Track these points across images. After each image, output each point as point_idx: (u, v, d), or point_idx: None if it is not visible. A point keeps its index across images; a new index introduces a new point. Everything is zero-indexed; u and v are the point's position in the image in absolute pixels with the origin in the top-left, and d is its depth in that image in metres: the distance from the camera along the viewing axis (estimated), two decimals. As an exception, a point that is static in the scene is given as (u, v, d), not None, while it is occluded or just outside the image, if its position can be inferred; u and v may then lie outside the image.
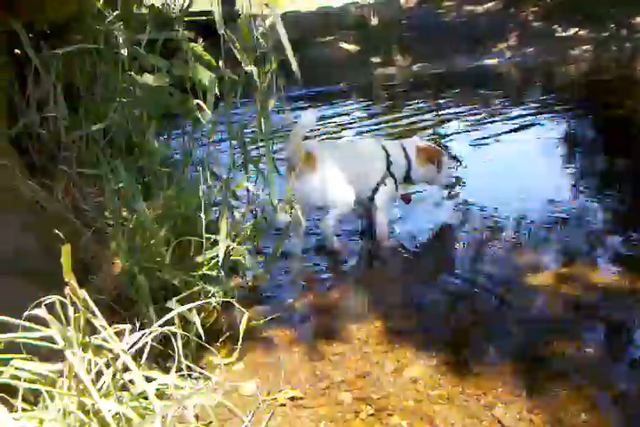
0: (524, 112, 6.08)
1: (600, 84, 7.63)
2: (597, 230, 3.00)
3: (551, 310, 2.28)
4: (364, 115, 7.16)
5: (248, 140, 2.55)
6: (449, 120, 6.21)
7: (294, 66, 2.08)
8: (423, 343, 2.10)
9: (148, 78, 3.06)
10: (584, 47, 10.47)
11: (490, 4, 12.89)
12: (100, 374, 1.42)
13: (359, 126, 6.23)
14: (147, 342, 1.56)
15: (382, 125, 6.13)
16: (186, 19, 3.20)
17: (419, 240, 3.07)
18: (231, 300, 2.17)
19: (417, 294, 2.53)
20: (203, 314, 2.19)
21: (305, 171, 2.63)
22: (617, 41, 10.47)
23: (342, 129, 6.05)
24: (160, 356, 1.84)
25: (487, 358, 2.01)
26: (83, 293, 1.28)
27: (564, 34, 11.03)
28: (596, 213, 3.22)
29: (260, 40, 2.27)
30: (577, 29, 10.96)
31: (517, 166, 4.23)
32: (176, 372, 1.68)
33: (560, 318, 2.23)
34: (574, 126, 5.54)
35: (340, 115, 7.12)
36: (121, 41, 3.00)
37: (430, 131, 5.72)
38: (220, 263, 2.21)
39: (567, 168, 4.24)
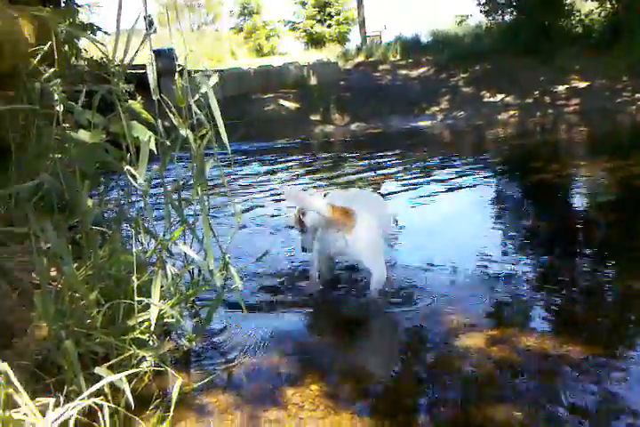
0: (456, 174, 6.35)
1: (526, 148, 8.11)
2: (527, 290, 3.10)
3: (482, 374, 2.31)
4: (304, 171, 7.29)
5: (184, 199, 2.54)
6: (386, 180, 6.41)
7: (224, 138, 2.12)
8: (359, 409, 2.08)
9: (84, 135, 3.02)
10: (510, 112, 11.16)
11: (423, 70, 13.64)
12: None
13: (298, 183, 6.31)
14: (71, 415, 1.47)
15: (321, 183, 6.24)
16: (127, 71, 3.21)
17: (354, 296, 3.07)
18: (163, 365, 2.09)
19: (352, 357, 2.52)
20: (134, 381, 2.09)
21: (343, 228, 2.71)
22: (541, 107, 11.22)
23: (282, 185, 6.12)
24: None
25: (422, 424, 2.00)
26: (4, 366, 1.21)
27: (491, 99, 11.77)
28: (525, 273, 3.33)
29: (194, 106, 2.30)
30: (503, 95, 11.71)
31: (450, 226, 4.37)
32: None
33: (490, 381, 2.26)
34: (502, 189, 5.82)
35: (279, 171, 7.22)
36: (56, 97, 2.97)
37: (368, 190, 5.87)
38: (152, 327, 2.14)
39: (497, 229, 4.41)
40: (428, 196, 5.31)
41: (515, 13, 14.21)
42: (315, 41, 24.39)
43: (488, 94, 11.85)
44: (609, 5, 13.35)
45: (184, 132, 2.25)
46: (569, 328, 2.66)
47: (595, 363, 2.30)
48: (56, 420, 1.43)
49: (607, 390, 2.12)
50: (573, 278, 3.32)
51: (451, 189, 5.56)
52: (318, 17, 25.13)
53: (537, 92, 11.65)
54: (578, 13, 13.88)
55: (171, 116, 2.31)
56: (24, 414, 1.33)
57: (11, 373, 1.24)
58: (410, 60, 14.43)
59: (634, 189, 5.22)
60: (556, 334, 2.57)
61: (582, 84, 11.68)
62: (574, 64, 12.24)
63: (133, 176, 2.22)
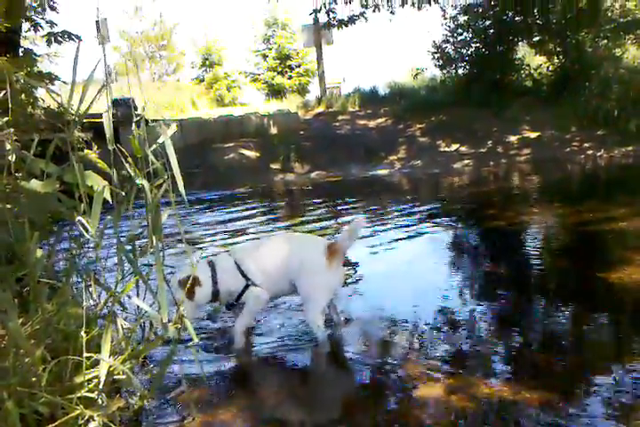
0: (413, 221, 6.43)
1: (481, 195, 8.30)
2: (484, 336, 3.11)
3: (441, 423, 2.27)
4: (265, 219, 7.28)
5: (138, 251, 2.48)
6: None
7: (180, 187, 2.11)
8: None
9: (37, 185, 2.96)
10: (465, 161, 11.48)
11: (381, 120, 14.00)
12: None
13: (260, 231, 6.28)
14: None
15: (284, 231, 6.22)
16: (85, 120, 3.18)
17: (313, 345, 3.02)
18: (112, 425, 1.99)
19: (310, 402, 2.45)
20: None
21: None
22: (494, 157, 11.59)
23: (243, 233, 6.08)
24: None
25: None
26: None
27: (447, 149, 12.11)
28: (483, 318, 3.35)
29: (150, 156, 2.29)
30: (458, 145, 12.07)
31: (409, 272, 4.40)
32: None
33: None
34: (459, 235, 5.91)
35: (240, 219, 7.19)
36: (8, 146, 2.92)
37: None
38: (101, 384, 2.05)
39: (455, 275, 4.45)
40: (388, 242, 5.35)
41: (467, 68, 14.84)
42: (275, 92, 24.87)
43: (443, 144, 12.20)
44: (556, 60, 14.08)
45: (140, 181, 2.22)
46: (527, 373, 2.66)
47: (551, 410, 2.29)
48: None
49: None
50: (530, 323, 3.35)
51: (410, 236, 5.61)
52: (279, 69, 25.73)
53: (490, 142, 12.05)
54: (527, 68, 14.58)
55: (126, 165, 2.28)
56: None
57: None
58: (368, 111, 14.80)
59: (585, 234, 5.37)
60: (514, 380, 2.57)
61: (533, 135, 12.15)
62: (525, 115, 12.76)
63: (85, 228, 2.16)
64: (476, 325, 3.26)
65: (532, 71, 14.52)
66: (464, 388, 2.50)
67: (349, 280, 4.23)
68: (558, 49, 14.01)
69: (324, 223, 6.64)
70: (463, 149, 11.96)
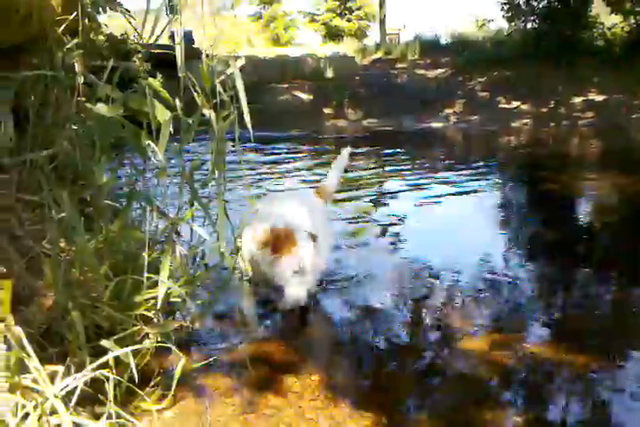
0: (464, 177, 6.33)
1: (537, 157, 8.07)
2: (529, 297, 3.10)
3: (481, 376, 2.30)
4: (314, 164, 7.27)
5: (200, 181, 2.52)
6: (394, 178, 6.40)
7: (247, 120, 2.11)
8: (358, 402, 2.07)
9: (102, 108, 3.00)
10: (524, 120, 11.12)
11: (440, 71, 13.58)
12: (26, 416, 1.33)
13: (304, 176, 6.29)
14: (77, 386, 1.47)
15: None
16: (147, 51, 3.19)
17: (356, 296, 3.06)
18: (167, 343, 2.09)
19: (353, 351, 2.51)
20: (137, 357, 2.09)
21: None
22: (555, 118, 11.18)
23: (285, 176, 6.10)
24: (88, 398, 1.74)
25: (419, 422, 1.99)
26: (19, 331, 1.20)
27: (506, 106, 11.72)
28: (529, 279, 3.33)
29: (219, 87, 2.28)
30: (519, 103, 11.66)
31: (454, 230, 4.36)
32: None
33: (489, 384, 2.26)
34: (509, 196, 5.81)
35: (287, 161, 7.21)
36: (77, 68, 2.95)
37: (376, 186, 5.87)
38: (158, 305, 2.14)
39: (502, 235, 4.41)
40: (435, 197, 5.30)
41: (537, 21, 14.12)
42: (333, 34, 24.30)
43: (504, 100, 11.80)
44: (633, 20, 13.26)
45: (207, 112, 2.23)
46: (567, 336, 2.65)
47: (589, 372, 2.30)
48: (63, 389, 1.43)
49: (600, 400, 2.13)
50: (574, 288, 3.32)
51: (458, 193, 5.54)
52: (339, 10, 25.03)
53: (553, 102, 11.59)
54: (601, 26, 13.80)
55: (195, 95, 2.29)
56: (33, 380, 1.32)
57: (24, 338, 1.23)
58: (428, 61, 14.38)
59: (641, 205, 5.21)
60: (554, 342, 2.57)
61: (599, 98, 11.63)
62: (593, 77, 12.18)
63: (148, 154, 2.20)
64: (518, 286, 3.24)
65: (606, 30, 13.73)
66: (505, 345, 2.52)
67: (393, 231, 4.23)
68: (636, 8, 13.15)
69: (370, 171, 6.60)
70: (524, 107, 11.56)
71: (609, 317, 2.92)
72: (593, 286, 3.33)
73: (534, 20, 14.26)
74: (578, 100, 11.66)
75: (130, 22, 2.65)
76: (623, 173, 6.72)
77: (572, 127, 10.80)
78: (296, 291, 2.33)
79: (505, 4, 14.27)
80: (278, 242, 2.37)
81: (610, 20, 13.93)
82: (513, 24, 14.61)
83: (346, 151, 3.25)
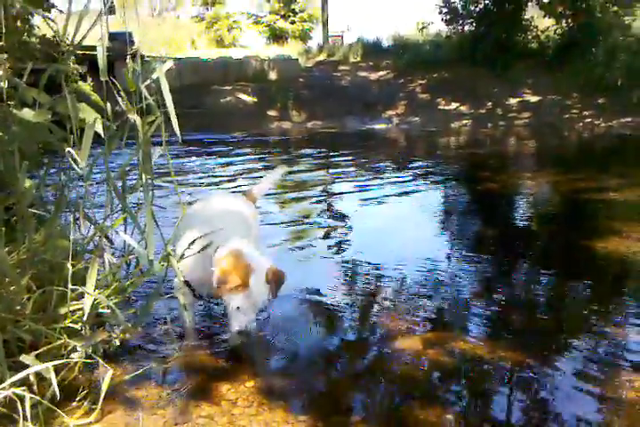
0: (407, 178, 6.43)
1: (476, 157, 8.28)
2: (466, 296, 3.15)
3: (417, 375, 2.33)
4: (258, 166, 7.23)
5: (128, 187, 2.46)
6: (338, 179, 6.43)
7: (175, 125, 2.06)
8: (293, 406, 2.06)
9: (28, 113, 2.89)
10: (463, 121, 11.38)
11: (382, 73, 13.75)
12: None
13: (252, 177, 6.25)
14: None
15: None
16: (79, 52, 3.09)
17: (296, 299, 3.04)
18: (95, 356, 2.02)
19: (289, 354, 2.50)
20: (63, 371, 2.02)
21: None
22: (492, 118, 11.49)
23: (234, 179, 6.04)
24: (6, 418, 1.66)
25: (354, 424, 1.99)
26: None
27: (446, 107, 11.98)
28: (468, 277, 3.39)
29: (144, 91, 2.22)
30: (458, 104, 11.93)
31: (397, 229, 4.42)
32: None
33: (424, 383, 2.28)
34: (451, 195, 5.92)
35: (233, 164, 7.14)
36: (1, 72, 2.83)
37: (321, 188, 5.88)
38: (85, 316, 2.07)
39: (443, 234, 4.49)
40: (378, 198, 5.36)
41: (474, 25, 14.49)
42: (277, 36, 24.27)
43: (443, 102, 12.06)
44: (564, 23, 13.76)
45: (132, 116, 2.17)
46: (504, 333, 2.72)
47: (525, 370, 2.35)
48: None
49: (536, 398, 2.18)
50: (512, 285, 3.40)
51: (400, 193, 5.62)
52: (282, 12, 25.00)
53: (490, 104, 11.92)
54: (535, 29, 14.26)
55: (119, 99, 2.22)
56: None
57: None
58: (370, 63, 14.52)
59: (575, 202, 5.40)
60: (491, 339, 2.62)
61: (534, 99, 12.03)
62: (528, 78, 12.59)
63: (74, 160, 2.13)
64: (458, 283, 3.30)
65: (539, 33, 14.20)
66: (441, 343, 2.55)
67: (337, 232, 4.25)
68: (568, 12, 13.67)
69: (315, 173, 6.61)
70: (463, 108, 11.84)
71: (547, 313, 3.00)
72: (531, 282, 3.43)
73: (471, 23, 14.63)
74: (513, 101, 12.04)
75: (50, 26, 2.56)
76: (558, 171, 6.97)
77: (509, 127, 11.13)
78: (242, 324, 2.22)
79: (443, 6, 14.59)
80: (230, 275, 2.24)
81: (544, 24, 14.42)
82: (451, 27, 14.94)
83: (280, 169, 3.24)
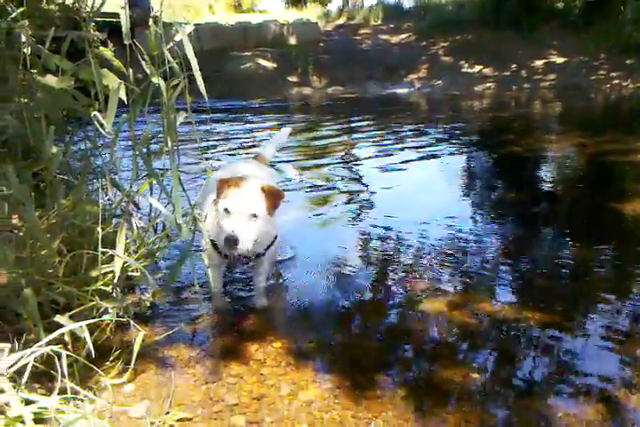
0: (429, 142, 6.35)
1: (500, 120, 8.12)
2: (491, 258, 3.15)
3: (442, 337, 2.35)
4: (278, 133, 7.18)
5: (153, 152, 2.47)
6: (360, 145, 6.38)
7: (201, 86, 2.04)
8: (319, 366, 2.10)
9: (51, 80, 2.90)
10: (487, 84, 11.13)
11: (403, 36, 13.44)
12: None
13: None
14: (28, 362, 1.45)
15: (295, 144, 6.17)
16: (98, 19, 3.07)
17: (320, 263, 3.07)
18: (126, 317, 2.07)
19: (315, 316, 2.53)
20: (95, 332, 2.08)
21: None
22: (517, 81, 11.22)
23: (256, 145, 6.02)
24: (45, 375, 1.73)
25: (380, 383, 2.03)
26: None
27: (469, 70, 11.70)
28: (490, 241, 3.38)
29: (168, 54, 2.20)
30: (481, 67, 11.65)
31: (420, 194, 4.40)
32: (60, 394, 1.57)
33: (449, 344, 2.30)
34: (474, 159, 5.84)
35: (253, 131, 7.11)
36: (24, 39, 2.83)
37: (342, 153, 5.84)
38: (115, 279, 2.11)
39: (466, 198, 4.45)
40: (401, 162, 5.31)
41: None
42: (296, 0, 23.77)
43: (467, 65, 11.78)
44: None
45: (156, 80, 2.16)
46: (529, 296, 2.72)
47: (551, 331, 2.36)
48: (11, 366, 1.40)
49: (560, 358, 2.19)
50: (537, 249, 3.38)
51: (424, 157, 5.56)
52: (301, -25, 24.43)
53: (515, 66, 11.62)
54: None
55: (143, 63, 2.21)
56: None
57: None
58: (391, 26, 14.18)
59: (602, 165, 5.30)
60: (516, 301, 2.63)
61: (560, 60, 11.68)
62: (553, 40, 12.21)
63: (101, 124, 2.14)
64: (483, 247, 3.29)
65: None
66: (467, 305, 2.57)
67: (359, 197, 4.24)
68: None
69: (336, 139, 6.56)
70: (486, 71, 11.56)
71: (572, 275, 2.99)
72: (556, 244, 3.40)
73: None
74: (539, 62, 11.71)
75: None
76: (584, 134, 6.82)
77: (534, 90, 10.87)
78: (230, 229, 2.17)
79: (467, -35, 14.12)
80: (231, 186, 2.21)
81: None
82: (475, -14, 14.45)
83: (285, 130, 3.21)
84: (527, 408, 1.90)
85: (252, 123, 7.77)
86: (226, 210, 2.14)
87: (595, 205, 4.07)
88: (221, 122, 7.69)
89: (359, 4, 17.00)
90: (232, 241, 2.08)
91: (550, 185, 4.80)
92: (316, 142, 6.34)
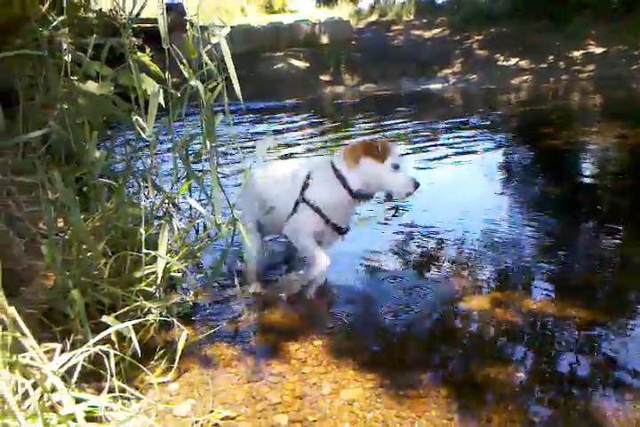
0: (466, 138, 6.27)
1: (538, 113, 7.97)
2: (531, 255, 3.10)
3: (484, 334, 2.33)
4: (313, 132, 7.21)
5: (192, 154, 2.51)
6: (394, 141, 6.35)
7: (237, 87, 2.07)
8: (361, 365, 2.10)
9: (92, 86, 2.97)
10: (524, 77, 10.94)
11: (437, 30, 13.31)
12: (26, 395, 1.35)
13: (307, 143, 6.26)
14: (78, 362, 1.49)
15: (331, 143, 6.18)
16: (135, 26, 3.13)
17: (360, 261, 3.07)
18: (169, 317, 2.11)
19: (356, 315, 2.53)
20: (140, 331, 2.12)
21: None
22: (555, 72, 10.98)
23: (290, 146, 6.06)
24: (92, 375, 1.77)
25: (422, 382, 2.02)
26: (12, 310, 1.21)
27: (505, 63, 11.52)
28: (531, 238, 3.32)
29: (205, 57, 2.23)
30: (517, 59, 11.45)
31: (458, 190, 4.36)
32: (108, 392, 1.61)
33: (492, 342, 2.28)
34: (512, 154, 5.75)
35: (288, 131, 7.15)
36: (65, 46, 2.90)
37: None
38: (158, 279, 2.15)
39: (505, 194, 4.39)
40: (437, 159, 5.27)
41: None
42: (327, -2, 23.76)
43: (502, 58, 11.59)
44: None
45: (194, 82, 2.20)
46: (571, 293, 2.66)
47: (594, 328, 2.32)
48: (62, 366, 1.45)
49: (604, 355, 2.14)
50: (579, 244, 3.31)
51: (460, 153, 5.50)
52: (332, -27, 24.40)
53: (552, 57, 11.38)
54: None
55: (181, 67, 2.25)
56: (31, 358, 1.34)
57: (18, 317, 1.24)
58: (424, 21, 14.08)
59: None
60: (558, 298, 2.58)
61: (598, 50, 11.40)
62: (590, 29, 11.92)
63: (142, 128, 2.18)
64: (523, 243, 3.24)
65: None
66: (509, 302, 2.54)
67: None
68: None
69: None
70: (523, 63, 11.36)
71: (615, 271, 2.92)
72: (599, 240, 3.33)
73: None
74: (577, 53, 11.45)
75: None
76: (625, 125, 6.64)
77: (572, 81, 10.63)
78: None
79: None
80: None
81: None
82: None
83: (267, 139, 3.28)
84: (574, 408, 1.86)
85: (285, 123, 7.81)
86: (395, 166, 2.50)
87: (637, 199, 3.96)
88: (257, 123, 7.75)
89: (391, 0, 16.90)
90: (418, 184, 2.52)
91: (591, 178, 4.69)
92: (350, 141, 6.33)
